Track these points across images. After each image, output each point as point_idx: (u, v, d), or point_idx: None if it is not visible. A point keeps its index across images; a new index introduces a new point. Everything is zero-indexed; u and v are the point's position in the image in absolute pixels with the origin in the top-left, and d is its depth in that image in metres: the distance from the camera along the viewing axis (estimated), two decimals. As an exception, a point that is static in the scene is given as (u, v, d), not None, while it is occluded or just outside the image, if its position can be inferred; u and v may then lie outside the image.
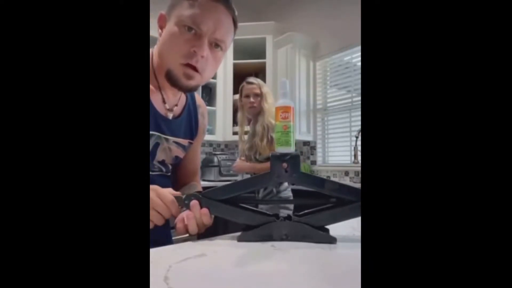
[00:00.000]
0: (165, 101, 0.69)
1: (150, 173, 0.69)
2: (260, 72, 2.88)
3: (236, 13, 0.64)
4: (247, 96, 1.78)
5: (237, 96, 1.90)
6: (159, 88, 0.67)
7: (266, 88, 1.80)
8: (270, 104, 1.74)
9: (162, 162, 0.71)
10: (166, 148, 0.70)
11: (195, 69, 0.61)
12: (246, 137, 1.86)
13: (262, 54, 2.89)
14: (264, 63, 2.87)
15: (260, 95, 1.76)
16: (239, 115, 1.90)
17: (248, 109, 1.79)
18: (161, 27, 0.65)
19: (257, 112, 1.77)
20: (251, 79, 1.82)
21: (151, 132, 0.65)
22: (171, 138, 0.70)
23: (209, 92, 3.00)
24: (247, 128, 1.89)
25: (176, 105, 0.72)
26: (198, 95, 0.82)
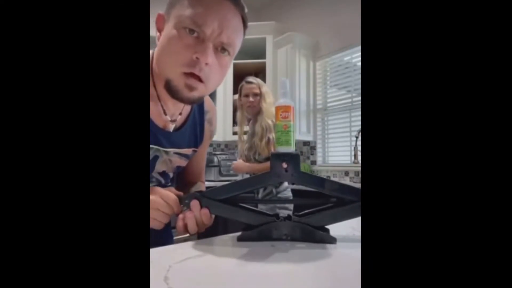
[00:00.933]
0: (166, 112, 0.62)
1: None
2: (260, 72, 2.87)
3: (246, 10, 0.55)
4: (246, 96, 1.78)
5: (237, 96, 1.90)
6: (158, 98, 0.60)
7: (266, 88, 1.80)
8: (269, 103, 1.74)
9: (163, 173, 0.68)
10: (166, 160, 0.65)
11: (198, 78, 0.53)
12: (245, 137, 1.85)
13: (262, 54, 2.89)
14: (264, 63, 2.87)
15: (259, 95, 1.76)
16: (238, 114, 1.89)
17: (247, 109, 1.79)
18: (160, 29, 0.56)
19: (256, 112, 1.77)
20: (251, 79, 1.81)
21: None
22: (172, 150, 0.65)
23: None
24: (246, 128, 1.88)
25: (180, 113, 0.65)
26: (208, 98, 0.74)
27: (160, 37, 0.56)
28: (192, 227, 0.53)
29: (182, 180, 0.80)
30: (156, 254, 0.45)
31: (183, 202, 0.53)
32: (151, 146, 0.61)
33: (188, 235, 0.55)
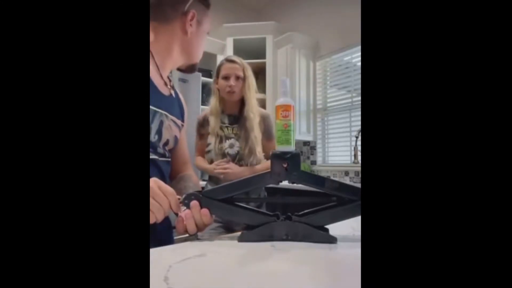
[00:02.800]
0: (166, 83, 0.74)
1: (159, 158, 0.69)
2: (260, 72, 2.88)
3: None
4: (226, 78, 1.34)
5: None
6: (158, 68, 0.71)
7: (251, 72, 1.37)
8: (253, 93, 1.36)
9: (166, 144, 0.72)
10: (168, 126, 0.71)
11: None
12: (220, 131, 1.37)
13: (262, 54, 2.89)
14: (264, 63, 2.87)
15: (242, 79, 1.34)
16: (212, 102, 1.40)
17: (226, 94, 1.34)
18: (191, 25, 0.71)
19: (237, 101, 1.37)
20: (233, 57, 1.39)
21: (155, 109, 0.67)
22: (170, 116, 0.73)
23: (209, 92, 2.99)
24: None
25: (170, 81, 0.78)
26: None
27: (192, 31, 0.72)
28: (192, 228, 0.53)
29: (172, 173, 0.80)
30: (156, 254, 0.45)
31: (183, 202, 0.53)
32: (156, 110, 0.68)
33: (187, 235, 0.55)
